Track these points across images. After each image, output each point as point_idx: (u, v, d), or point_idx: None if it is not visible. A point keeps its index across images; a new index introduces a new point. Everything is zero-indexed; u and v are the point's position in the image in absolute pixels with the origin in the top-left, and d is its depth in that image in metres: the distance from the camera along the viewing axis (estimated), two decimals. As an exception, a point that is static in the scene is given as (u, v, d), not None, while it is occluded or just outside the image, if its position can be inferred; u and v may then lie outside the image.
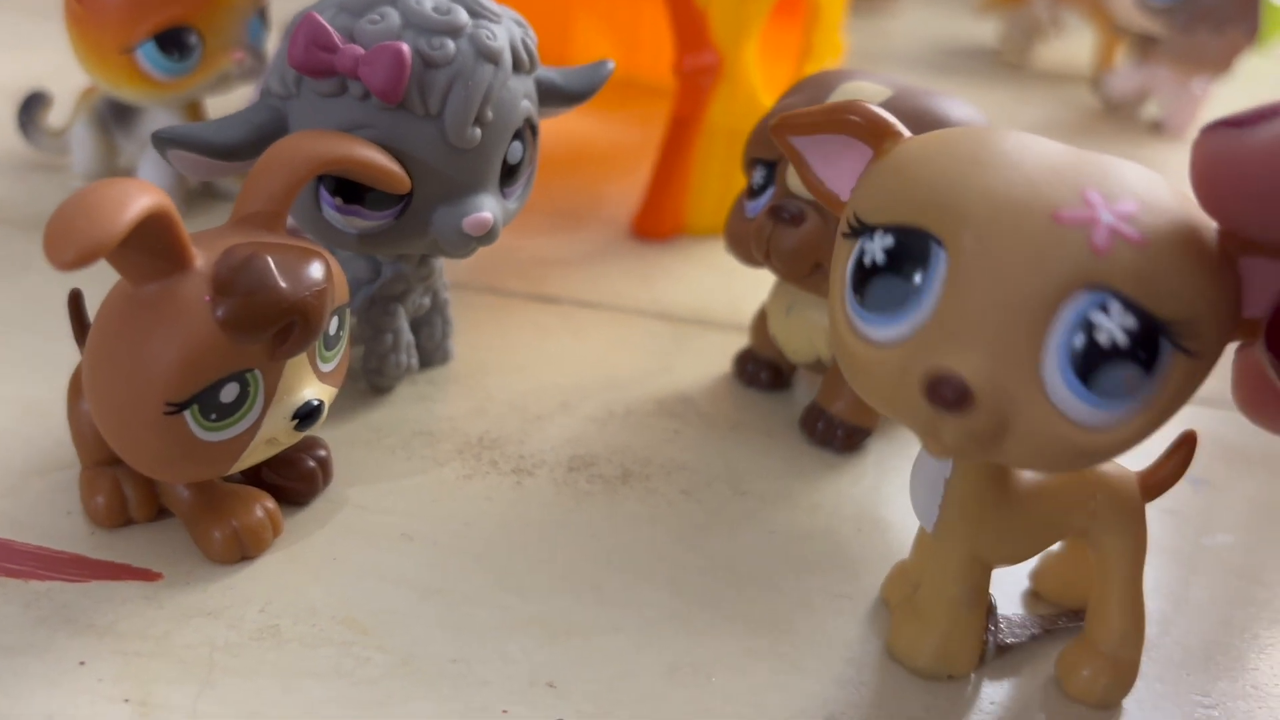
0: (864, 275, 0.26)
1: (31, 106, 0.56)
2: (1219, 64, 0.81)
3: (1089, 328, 0.23)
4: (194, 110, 0.53)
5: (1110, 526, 0.30)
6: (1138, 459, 0.29)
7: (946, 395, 0.24)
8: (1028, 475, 0.30)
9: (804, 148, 0.29)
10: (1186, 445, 0.31)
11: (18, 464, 0.36)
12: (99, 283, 0.32)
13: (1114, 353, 0.23)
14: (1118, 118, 0.88)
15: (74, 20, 0.49)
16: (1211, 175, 0.23)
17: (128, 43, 0.48)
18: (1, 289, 0.47)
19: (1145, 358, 0.23)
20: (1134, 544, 0.31)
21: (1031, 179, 0.24)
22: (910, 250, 0.25)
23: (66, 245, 0.25)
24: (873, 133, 0.27)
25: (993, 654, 0.32)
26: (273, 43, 0.55)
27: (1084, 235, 0.23)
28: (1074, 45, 1.04)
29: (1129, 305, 0.23)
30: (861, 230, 0.26)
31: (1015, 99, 0.91)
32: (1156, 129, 0.84)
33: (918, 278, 0.25)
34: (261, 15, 0.52)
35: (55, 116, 0.57)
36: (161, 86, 0.49)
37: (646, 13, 0.74)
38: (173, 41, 0.48)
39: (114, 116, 0.54)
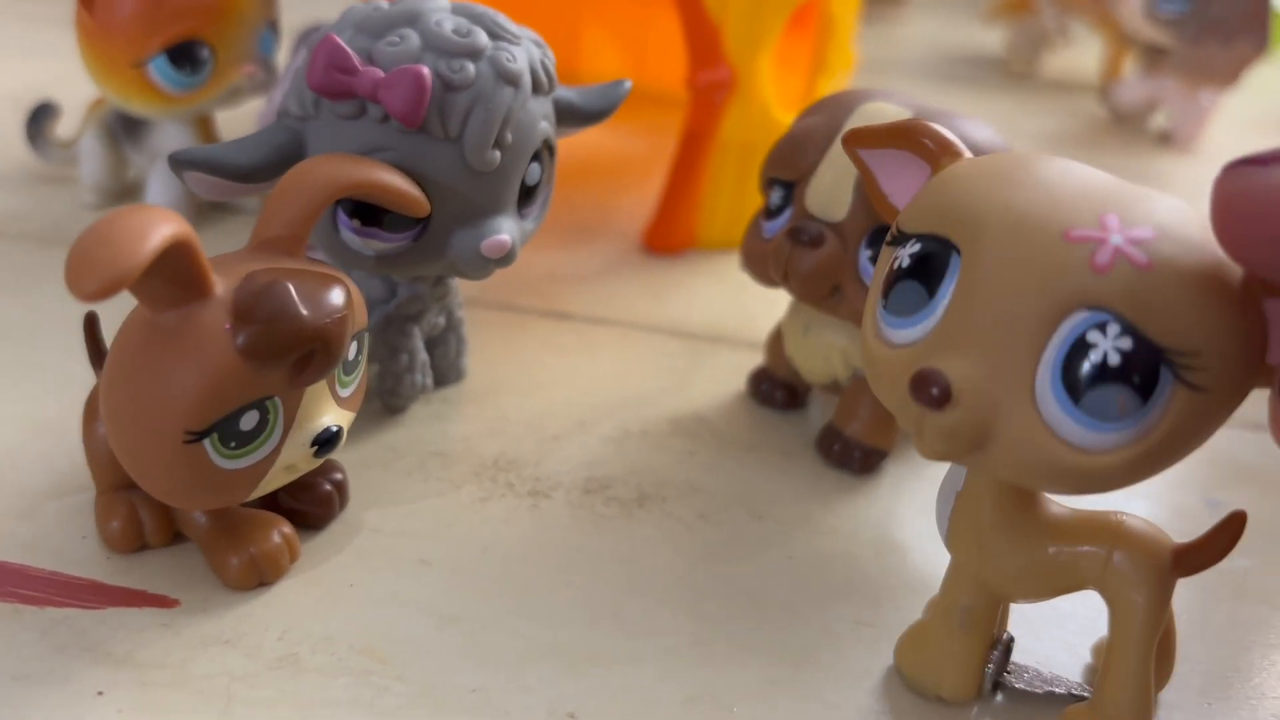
0: (892, 280, 0.27)
1: (40, 118, 0.55)
2: (1227, 76, 0.80)
3: (1084, 346, 0.24)
4: (204, 124, 0.53)
5: (1126, 586, 0.28)
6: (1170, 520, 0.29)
7: (927, 392, 0.24)
8: (1051, 510, 0.29)
9: (870, 161, 0.30)
10: (1234, 525, 0.28)
11: (31, 486, 0.36)
12: (112, 303, 0.31)
13: (1106, 373, 0.23)
14: (1125, 128, 0.87)
15: (85, 33, 0.48)
16: (1231, 214, 0.23)
17: (139, 56, 0.48)
18: (10, 304, 0.46)
19: (1140, 383, 0.23)
20: (1149, 611, 0.28)
21: (1056, 199, 0.25)
22: (933, 257, 0.26)
23: (89, 276, 0.25)
24: (936, 151, 0.28)
25: (989, 688, 0.31)
26: (282, 56, 0.55)
27: (1089, 254, 0.23)
28: (1081, 55, 1.04)
29: (1126, 328, 0.23)
30: (899, 239, 0.27)
31: (1022, 109, 0.91)
32: (1164, 140, 0.84)
33: (936, 284, 0.26)
34: (272, 28, 0.51)
35: (63, 128, 0.57)
36: (172, 100, 0.49)
37: (655, 24, 0.74)
38: (184, 55, 0.48)
39: (123, 129, 0.53)
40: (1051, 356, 0.24)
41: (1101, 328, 0.23)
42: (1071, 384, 0.24)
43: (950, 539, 0.30)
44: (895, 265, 0.27)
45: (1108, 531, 0.29)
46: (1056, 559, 0.29)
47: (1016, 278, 0.24)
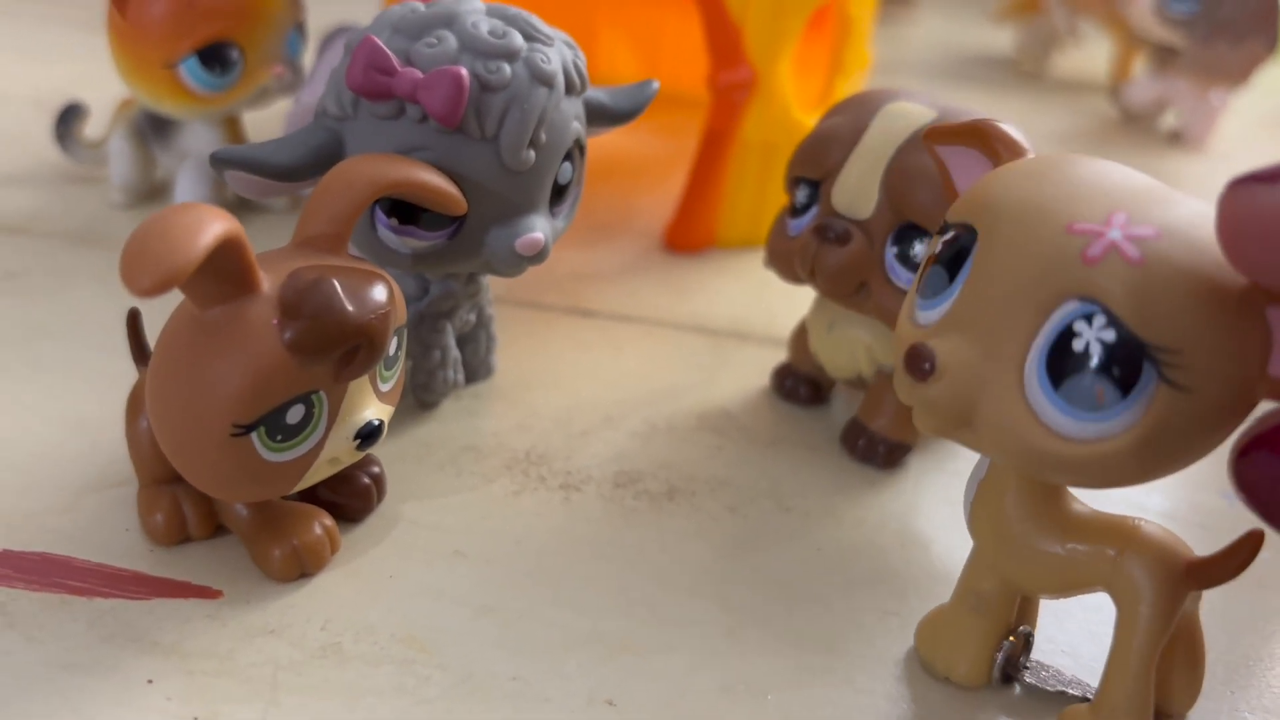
0: (926, 265, 0.28)
1: (68, 118, 0.56)
2: (1238, 75, 0.81)
3: (1071, 335, 0.24)
4: (232, 124, 0.54)
5: (1133, 588, 0.28)
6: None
7: (915, 364, 0.26)
8: (1071, 507, 0.30)
9: (946, 156, 0.31)
10: (1251, 542, 0.28)
11: (71, 481, 0.37)
12: (150, 302, 0.32)
13: (1086, 362, 0.24)
14: (1136, 128, 0.88)
15: (117, 34, 0.49)
16: (1238, 229, 0.23)
17: (170, 58, 0.48)
18: (42, 303, 0.47)
19: (1120, 375, 0.24)
20: (1153, 617, 0.28)
21: (1074, 194, 0.26)
22: (959, 244, 0.27)
23: (144, 272, 0.26)
24: (1003, 150, 0.29)
25: (998, 677, 0.31)
26: (309, 57, 0.55)
27: (1083, 246, 0.24)
28: (1091, 55, 1.04)
29: (1111, 320, 0.24)
30: (943, 229, 0.28)
31: (1032, 108, 0.91)
32: (1174, 140, 0.85)
33: (957, 269, 0.27)
34: (299, 30, 0.52)
35: (91, 129, 0.57)
36: (202, 101, 0.50)
37: (670, 24, 0.75)
38: (215, 57, 0.49)
39: (152, 129, 0.54)
40: (1041, 343, 0.25)
41: (1089, 319, 0.24)
42: (1054, 370, 0.25)
43: (971, 524, 0.31)
44: (931, 251, 0.28)
45: (1123, 534, 0.29)
46: (1069, 555, 0.29)
47: (1018, 265, 0.25)
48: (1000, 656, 0.31)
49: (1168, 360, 0.24)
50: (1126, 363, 0.24)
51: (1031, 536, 0.29)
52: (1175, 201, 0.26)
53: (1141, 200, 0.25)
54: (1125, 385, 0.24)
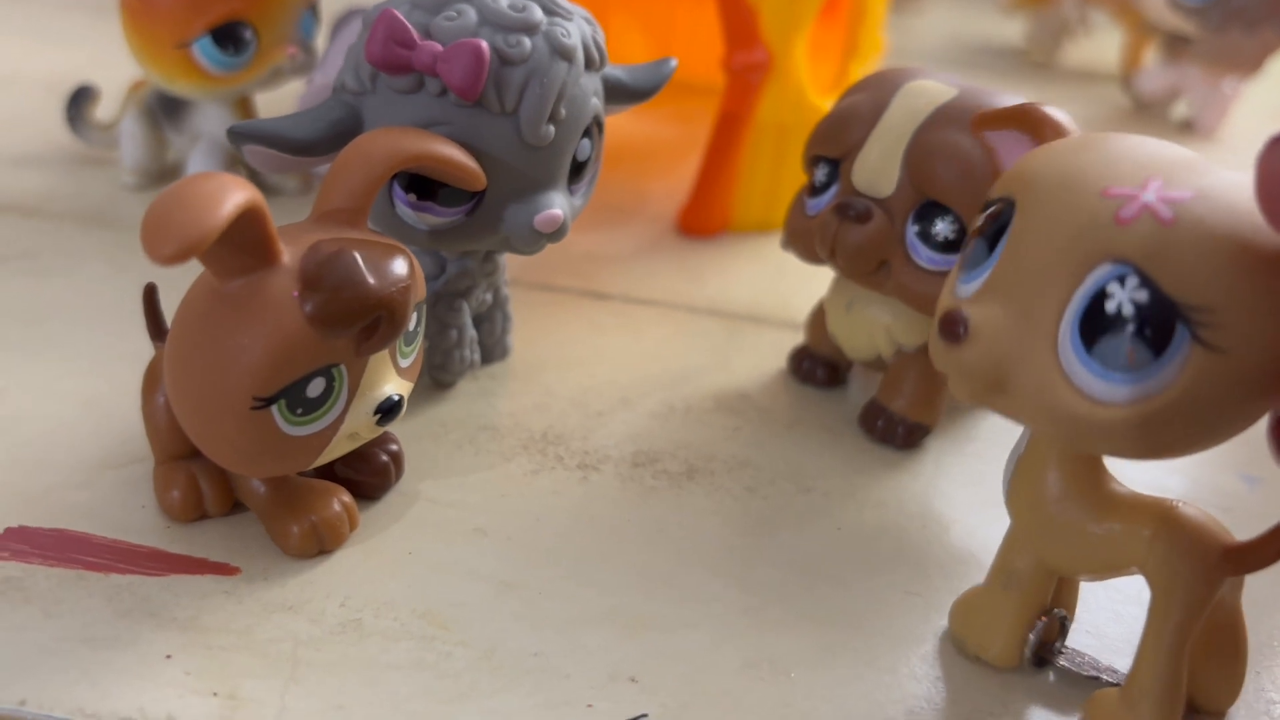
0: (969, 239, 0.28)
1: (79, 100, 0.56)
2: (1251, 64, 0.80)
3: (1104, 296, 0.24)
4: (244, 105, 0.54)
5: (1166, 569, 0.28)
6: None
7: (949, 328, 0.26)
8: (1108, 486, 0.29)
9: (994, 141, 0.31)
10: None
11: (87, 457, 0.36)
12: (165, 278, 0.32)
13: (1119, 321, 0.24)
14: (1148, 117, 0.87)
15: (130, 14, 0.49)
16: (1276, 186, 0.23)
17: (184, 37, 0.48)
18: (55, 284, 0.47)
19: (1152, 335, 0.24)
20: (1187, 600, 0.28)
21: (1112, 162, 0.26)
22: (998, 216, 0.27)
23: (165, 239, 0.25)
24: (1048, 132, 0.29)
25: (1029, 657, 0.31)
26: (322, 38, 0.55)
27: (1116, 208, 0.24)
28: (1102, 45, 1.04)
29: (1144, 280, 0.24)
30: (985, 205, 0.28)
31: (1043, 98, 0.89)
32: (1187, 129, 0.84)
33: (996, 240, 0.27)
34: (313, 10, 0.52)
35: (102, 110, 0.57)
36: (216, 81, 0.49)
37: (681, 10, 0.74)
38: (228, 36, 0.48)
39: (163, 110, 0.54)
40: (1074, 306, 0.25)
41: (1122, 280, 0.24)
42: (1087, 333, 0.25)
43: (1008, 500, 0.30)
44: (974, 228, 0.28)
45: (1159, 514, 0.28)
46: (1104, 534, 0.29)
47: (1053, 230, 0.25)
48: (1033, 638, 0.31)
49: (1201, 319, 0.24)
50: (1158, 322, 0.24)
51: (1068, 514, 0.29)
52: (1213, 170, 0.25)
53: (1179, 168, 0.25)
54: (1157, 345, 0.24)
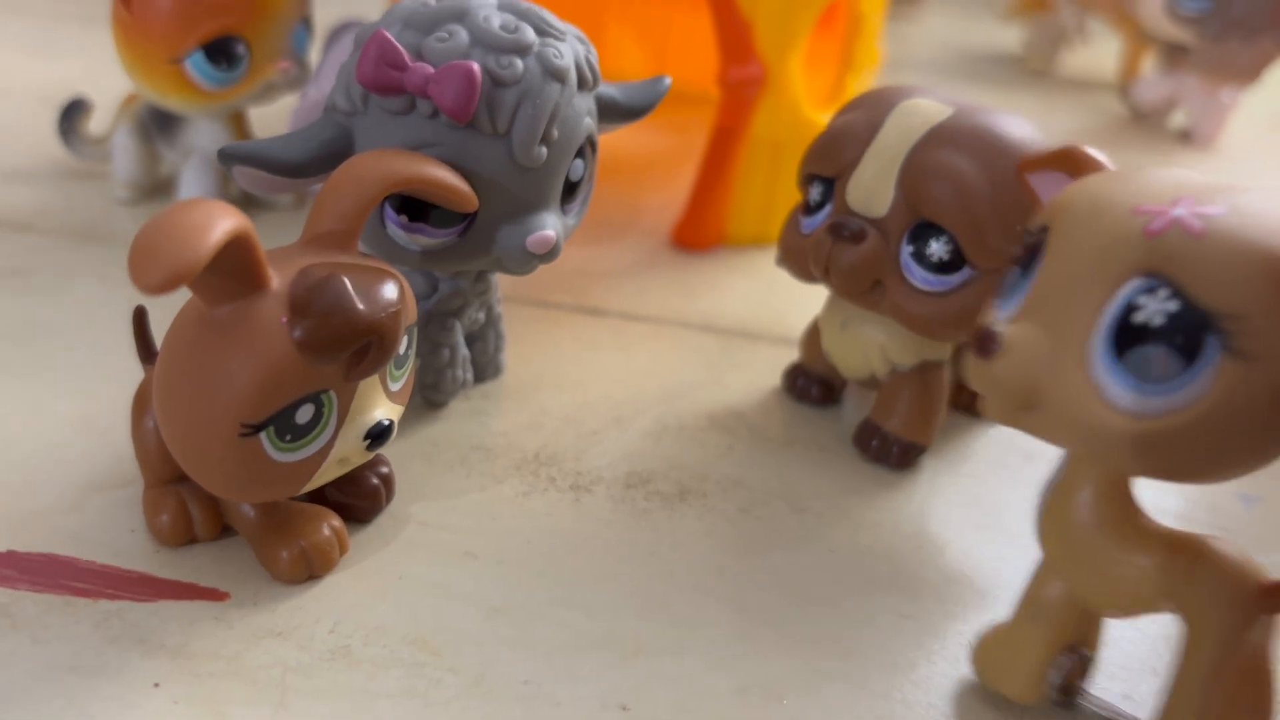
0: (1007, 271, 0.29)
1: (72, 114, 0.55)
2: (1249, 73, 0.80)
3: (1134, 309, 0.24)
4: (237, 120, 0.53)
5: (1204, 608, 0.27)
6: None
7: (979, 341, 0.26)
8: (1141, 520, 0.28)
9: (1035, 183, 0.32)
10: None
11: (76, 480, 0.36)
12: (156, 300, 0.31)
13: (1149, 333, 0.24)
14: (1145, 126, 0.87)
15: (122, 30, 0.49)
16: None
17: (176, 53, 0.48)
18: (46, 301, 0.47)
19: (1183, 344, 0.24)
20: (1221, 638, 0.26)
21: (1145, 186, 0.26)
22: (1034, 242, 0.27)
23: (153, 269, 0.25)
24: (1090, 171, 0.29)
25: (1051, 694, 0.30)
26: (315, 52, 0.55)
27: (1146, 223, 0.25)
28: (1099, 53, 1.03)
29: (1174, 291, 0.24)
30: (1023, 235, 0.28)
31: (1041, 106, 0.91)
32: (1184, 138, 0.84)
33: (1031, 265, 0.27)
34: (306, 24, 0.52)
35: (94, 124, 0.57)
36: (208, 96, 0.49)
37: (677, 21, 0.74)
38: (221, 51, 0.48)
39: (156, 125, 0.53)
40: (1105, 320, 0.25)
41: (1152, 292, 0.24)
42: (1118, 344, 0.25)
43: (1040, 531, 0.30)
44: (1012, 259, 0.28)
45: (1193, 550, 0.27)
46: (1136, 568, 0.28)
47: (1084, 248, 0.26)
48: (1055, 674, 0.30)
49: (1231, 328, 0.23)
50: (1188, 332, 0.24)
51: (1100, 546, 0.28)
52: (1247, 192, 0.25)
53: (1212, 190, 0.25)
54: (1188, 355, 0.24)
